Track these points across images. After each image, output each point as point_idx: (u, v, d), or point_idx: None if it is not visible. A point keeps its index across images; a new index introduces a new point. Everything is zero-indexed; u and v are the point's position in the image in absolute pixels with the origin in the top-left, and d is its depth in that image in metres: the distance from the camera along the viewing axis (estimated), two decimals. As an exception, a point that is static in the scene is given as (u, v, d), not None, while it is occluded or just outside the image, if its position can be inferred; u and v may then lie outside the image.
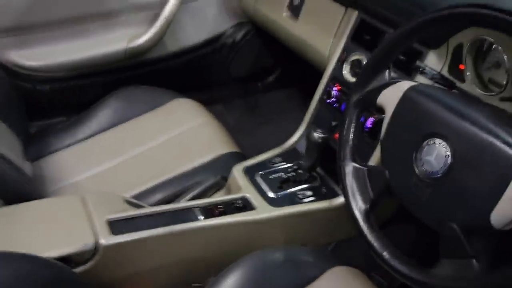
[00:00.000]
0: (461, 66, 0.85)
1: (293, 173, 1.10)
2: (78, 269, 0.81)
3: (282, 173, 1.10)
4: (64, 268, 0.78)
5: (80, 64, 1.47)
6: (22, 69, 1.41)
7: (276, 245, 0.99)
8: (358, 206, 0.77)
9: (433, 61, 0.89)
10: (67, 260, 0.80)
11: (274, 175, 1.10)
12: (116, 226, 0.87)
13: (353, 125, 0.80)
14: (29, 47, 1.40)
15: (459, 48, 0.84)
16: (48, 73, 1.44)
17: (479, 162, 0.63)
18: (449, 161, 0.65)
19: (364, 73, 0.78)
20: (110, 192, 1.03)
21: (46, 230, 0.83)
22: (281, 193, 1.05)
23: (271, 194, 1.04)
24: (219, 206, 0.97)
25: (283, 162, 1.14)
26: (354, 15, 1.10)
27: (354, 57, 1.07)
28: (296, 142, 1.20)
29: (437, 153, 0.66)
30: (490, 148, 0.62)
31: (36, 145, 1.31)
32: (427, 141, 0.67)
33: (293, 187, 1.06)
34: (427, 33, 0.75)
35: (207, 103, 1.51)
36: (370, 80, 0.77)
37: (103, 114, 1.38)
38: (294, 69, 1.71)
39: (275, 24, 1.44)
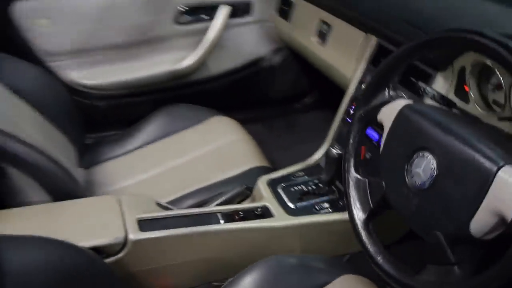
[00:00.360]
0: (466, 88, 0.89)
1: (313, 186, 1.17)
2: (108, 260, 0.93)
3: (303, 186, 1.18)
4: (96, 257, 0.89)
5: (131, 83, 1.64)
6: (81, 87, 1.59)
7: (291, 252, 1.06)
8: (358, 215, 0.83)
9: (441, 83, 0.94)
10: (99, 250, 0.91)
11: (295, 188, 1.17)
12: (144, 224, 0.98)
13: (356, 139, 0.87)
14: (88, 68, 1.58)
15: (462, 70, 0.89)
16: (104, 91, 1.62)
17: (461, 174, 0.67)
18: (434, 173, 0.70)
19: (366, 91, 0.85)
20: (144, 196, 1.15)
21: (83, 223, 0.95)
22: (300, 204, 1.12)
23: (290, 205, 1.11)
24: (239, 212, 1.06)
25: (305, 176, 1.22)
26: (372, 40, 1.17)
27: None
28: (320, 158, 1.27)
29: (425, 166, 0.71)
30: (472, 161, 0.66)
31: (90, 154, 1.47)
32: (416, 154, 0.73)
33: (312, 199, 1.13)
34: (421, 56, 0.81)
35: (246, 122, 1.62)
36: (371, 98, 0.84)
37: (150, 128, 1.52)
38: (330, 91, 1.78)
39: (306, 50, 1.54)
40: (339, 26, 1.34)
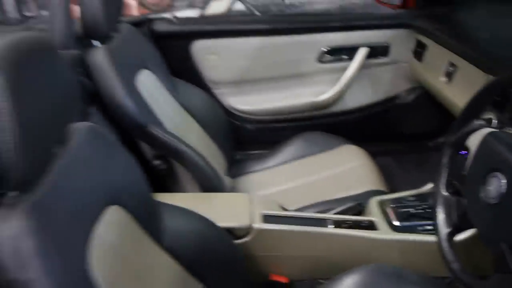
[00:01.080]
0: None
1: (421, 210, 1.28)
2: (236, 241, 1.18)
3: (412, 209, 1.29)
4: (228, 236, 1.15)
5: (277, 111, 1.93)
6: (236, 111, 1.93)
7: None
8: (443, 228, 0.94)
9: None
10: (231, 232, 1.17)
11: (403, 209, 1.29)
12: (267, 218, 1.21)
13: (447, 161, 0.98)
14: (243, 96, 1.91)
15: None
16: (254, 115, 1.94)
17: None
18: (504, 191, 0.80)
19: (457, 122, 0.97)
20: (272, 200, 1.39)
21: (222, 210, 1.23)
22: (405, 223, 1.24)
23: (395, 223, 1.24)
24: (347, 222, 1.23)
25: (416, 201, 1.33)
26: (490, 79, 1.25)
27: (487, 115, 1.22)
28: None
29: (496, 185, 0.81)
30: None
31: (237, 167, 1.77)
32: (491, 174, 0.83)
33: (417, 221, 1.24)
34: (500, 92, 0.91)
35: (377, 154, 1.77)
36: (461, 127, 0.96)
37: (289, 150, 1.77)
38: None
39: (436, 89, 1.64)
40: (464, 66, 1.43)
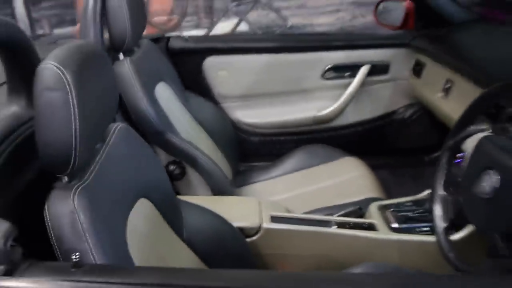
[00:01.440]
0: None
1: (418, 214, 1.37)
2: (248, 239, 1.27)
3: (409, 213, 1.38)
4: (240, 234, 1.24)
5: (281, 124, 2.03)
6: (242, 124, 2.04)
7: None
8: (440, 222, 1.04)
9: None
10: (242, 231, 1.27)
11: (402, 213, 1.38)
12: (275, 219, 1.31)
13: (445, 163, 1.09)
14: (249, 110, 2.02)
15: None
16: (259, 128, 2.04)
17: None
18: (497, 185, 0.90)
19: (454, 128, 1.08)
20: (279, 204, 1.48)
21: (235, 211, 1.32)
22: (404, 225, 1.33)
23: (394, 225, 1.33)
24: (349, 223, 1.32)
25: (414, 206, 1.42)
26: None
27: (482, 126, 1.32)
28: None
29: (490, 181, 0.92)
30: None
31: (242, 177, 1.87)
32: (485, 172, 0.93)
33: (415, 223, 1.34)
34: (499, 101, 1.02)
35: (375, 167, 1.86)
36: (458, 132, 1.07)
37: (290, 162, 1.86)
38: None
39: (434, 104, 1.76)
40: (460, 82, 1.55)
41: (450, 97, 1.61)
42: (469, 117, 1.06)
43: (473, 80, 1.45)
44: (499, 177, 0.90)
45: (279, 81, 2.01)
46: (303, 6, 2.80)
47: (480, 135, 1.02)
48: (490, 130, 1.08)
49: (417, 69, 1.91)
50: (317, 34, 2.36)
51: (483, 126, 1.06)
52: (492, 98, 1.01)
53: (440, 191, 1.09)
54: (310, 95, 2.02)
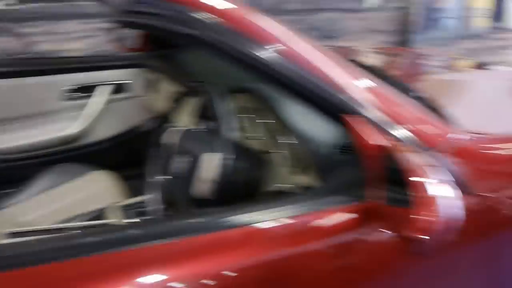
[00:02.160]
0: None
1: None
2: None
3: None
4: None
5: (26, 148, 2.01)
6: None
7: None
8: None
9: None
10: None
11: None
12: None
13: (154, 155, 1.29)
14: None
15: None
16: (2, 155, 1.97)
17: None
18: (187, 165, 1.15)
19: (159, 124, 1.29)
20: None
21: None
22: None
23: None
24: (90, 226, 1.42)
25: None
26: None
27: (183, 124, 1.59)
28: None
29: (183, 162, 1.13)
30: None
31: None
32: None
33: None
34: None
35: (127, 178, 2.00)
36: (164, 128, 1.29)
37: (38, 184, 1.85)
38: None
39: (170, 115, 1.99)
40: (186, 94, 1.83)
41: (180, 106, 1.86)
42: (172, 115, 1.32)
43: (195, 92, 1.72)
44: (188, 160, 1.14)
45: (19, 105, 1.98)
46: (52, 32, 2.79)
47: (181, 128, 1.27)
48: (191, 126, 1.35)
49: (153, 85, 2.12)
50: (55, 58, 2.40)
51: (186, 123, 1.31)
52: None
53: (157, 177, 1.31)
54: (52, 117, 2.05)
